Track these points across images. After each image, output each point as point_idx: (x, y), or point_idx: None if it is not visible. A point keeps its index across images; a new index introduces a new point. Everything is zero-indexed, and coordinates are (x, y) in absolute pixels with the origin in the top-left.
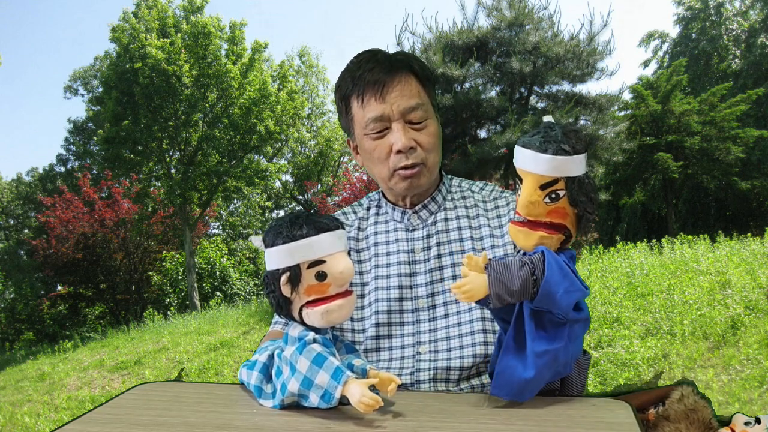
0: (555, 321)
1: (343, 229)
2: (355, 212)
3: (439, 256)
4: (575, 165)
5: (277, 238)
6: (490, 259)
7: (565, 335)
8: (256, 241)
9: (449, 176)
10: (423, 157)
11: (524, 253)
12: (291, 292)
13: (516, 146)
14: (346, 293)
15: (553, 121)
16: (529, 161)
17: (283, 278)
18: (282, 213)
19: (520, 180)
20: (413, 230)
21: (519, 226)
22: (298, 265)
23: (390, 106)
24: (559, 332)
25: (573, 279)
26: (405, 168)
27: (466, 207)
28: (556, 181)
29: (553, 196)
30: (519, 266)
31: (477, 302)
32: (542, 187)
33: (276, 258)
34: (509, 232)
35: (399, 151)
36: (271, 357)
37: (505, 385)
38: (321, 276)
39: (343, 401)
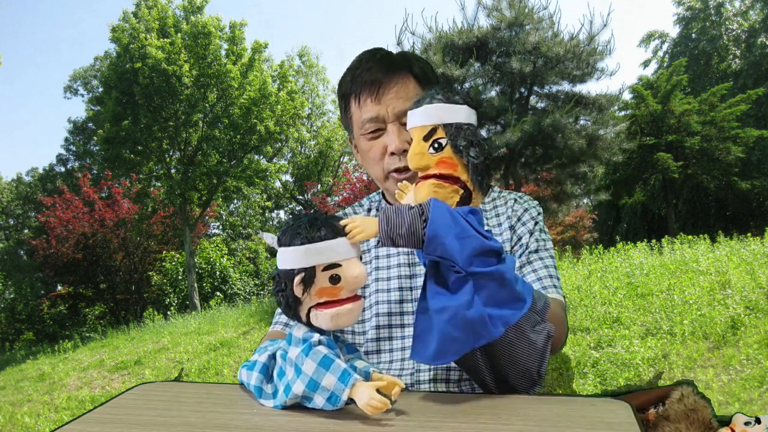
0: (455, 275)
1: None
2: (356, 213)
3: None
4: (451, 112)
5: (295, 238)
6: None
7: (467, 290)
8: (268, 238)
9: None
10: None
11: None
12: (303, 293)
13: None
14: (356, 298)
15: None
16: (409, 119)
17: (297, 278)
18: (282, 213)
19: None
20: None
21: (416, 182)
22: (313, 267)
23: (385, 107)
24: (461, 288)
25: (465, 226)
26: (398, 171)
27: None
28: (435, 129)
29: (436, 145)
30: (408, 208)
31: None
32: (425, 139)
33: (292, 258)
34: (412, 189)
35: (392, 153)
36: (271, 357)
37: (420, 350)
38: (335, 279)
39: (347, 401)
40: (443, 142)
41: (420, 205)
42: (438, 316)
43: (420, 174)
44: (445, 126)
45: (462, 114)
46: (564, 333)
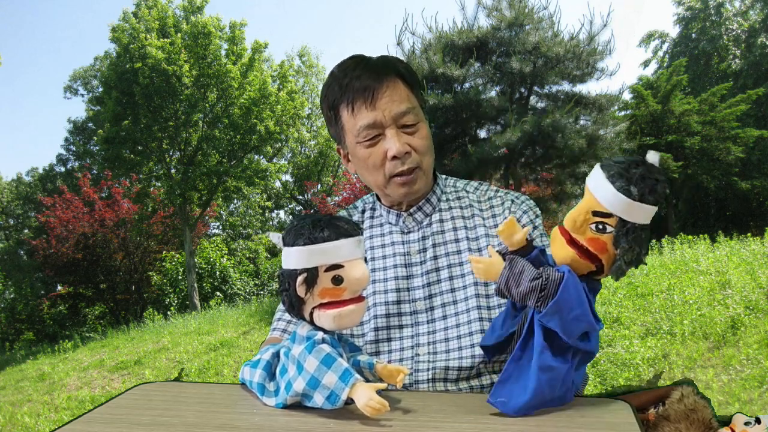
0: (562, 343)
1: (362, 235)
2: (350, 215)
3: (435, 257)
4: (633, 211)
5: (298, 239)
6: (512, 254)
7: (570, 359)
8: (274, 237)
9: (444, 176)
10: (418, 161)
11: (553, 264)
12: (305, 293)
13: (598, 164)
14: (359, 299)
15: (652, 161)
16: (593, 181)
17: (300, 279)
18: (282, 213)
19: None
20: (408, 233)
21: (561, 233)
22: (315, 268)
23: (381, 112)
24: (566, 354)
25: (587, 309)
26: (401, 174)
27: (461, 207)
28: (609, 215)
29: (600, 227)
30: (533, 277)
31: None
32: (594, 213)
33: (295, 258)
34: (553, 233)
35: (394, 157)
36: (274, 355)
37: (502, 397)
38: (337, 280)
39: (347, 401)
40: (609, 228)
41: (547, 277)
42: (541, 374)
43: (569, 231)
44: (621, 220)
45: (642, 214)
46: None
